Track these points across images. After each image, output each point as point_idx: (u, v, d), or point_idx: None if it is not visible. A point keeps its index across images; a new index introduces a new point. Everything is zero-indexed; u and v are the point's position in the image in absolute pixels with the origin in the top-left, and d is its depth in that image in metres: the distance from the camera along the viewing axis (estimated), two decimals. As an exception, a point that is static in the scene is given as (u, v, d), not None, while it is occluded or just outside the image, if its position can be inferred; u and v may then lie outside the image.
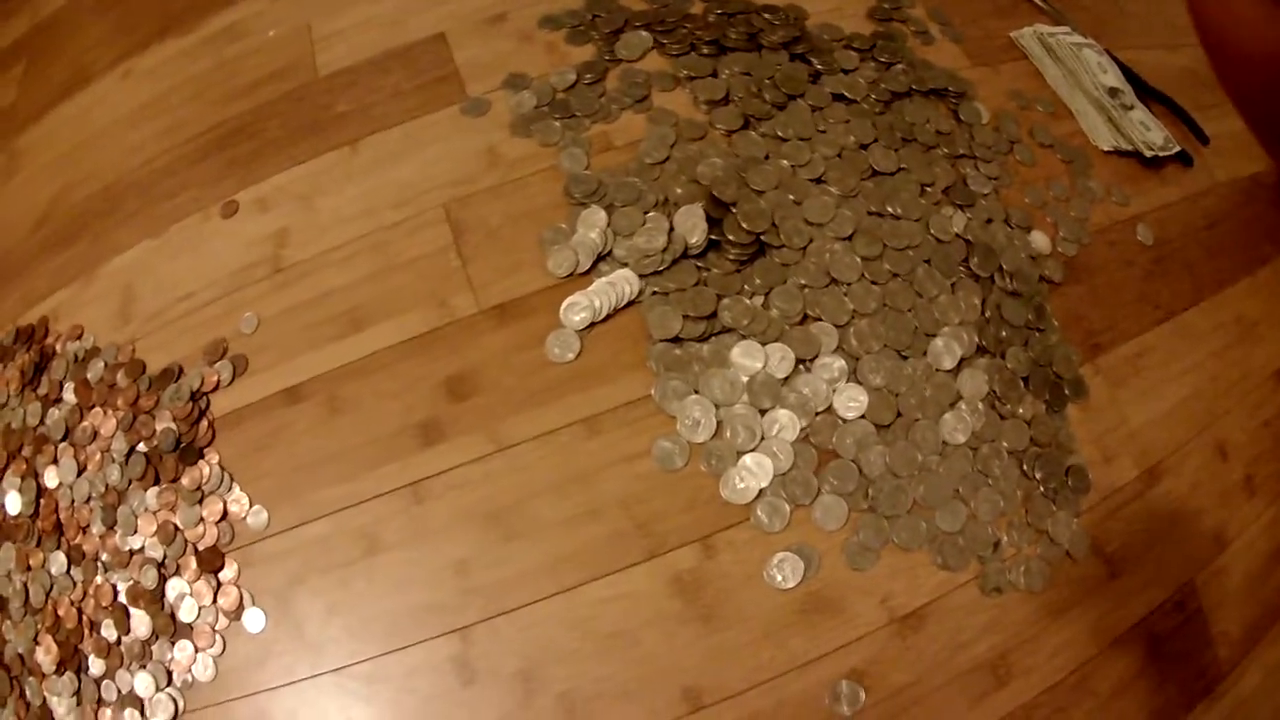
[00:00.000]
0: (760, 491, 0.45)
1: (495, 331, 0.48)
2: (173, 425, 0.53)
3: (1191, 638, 0.49)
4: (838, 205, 0.50)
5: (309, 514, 0.48)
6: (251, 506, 0.50)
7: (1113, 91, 0.57)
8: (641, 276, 0.48)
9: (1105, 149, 0.55)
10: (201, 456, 0.52)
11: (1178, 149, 0.56)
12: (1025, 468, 0.47)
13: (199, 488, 0.52)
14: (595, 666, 0.44)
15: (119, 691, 0.53)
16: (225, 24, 0.65)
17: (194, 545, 0.52)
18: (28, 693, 0.57)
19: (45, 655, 0.56)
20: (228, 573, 0.50)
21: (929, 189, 0.51)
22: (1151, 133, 0.56)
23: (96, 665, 0.54)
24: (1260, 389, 0.53)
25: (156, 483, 0.54)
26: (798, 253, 0.48)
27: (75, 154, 0.67)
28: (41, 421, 0.60)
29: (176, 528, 0.52)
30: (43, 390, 0.61)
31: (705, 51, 0.54)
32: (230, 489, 0.51)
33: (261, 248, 0.54)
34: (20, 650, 0.58)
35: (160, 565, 0.52)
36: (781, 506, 0.45)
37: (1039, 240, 0.51)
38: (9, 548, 0.60)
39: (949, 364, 0.48)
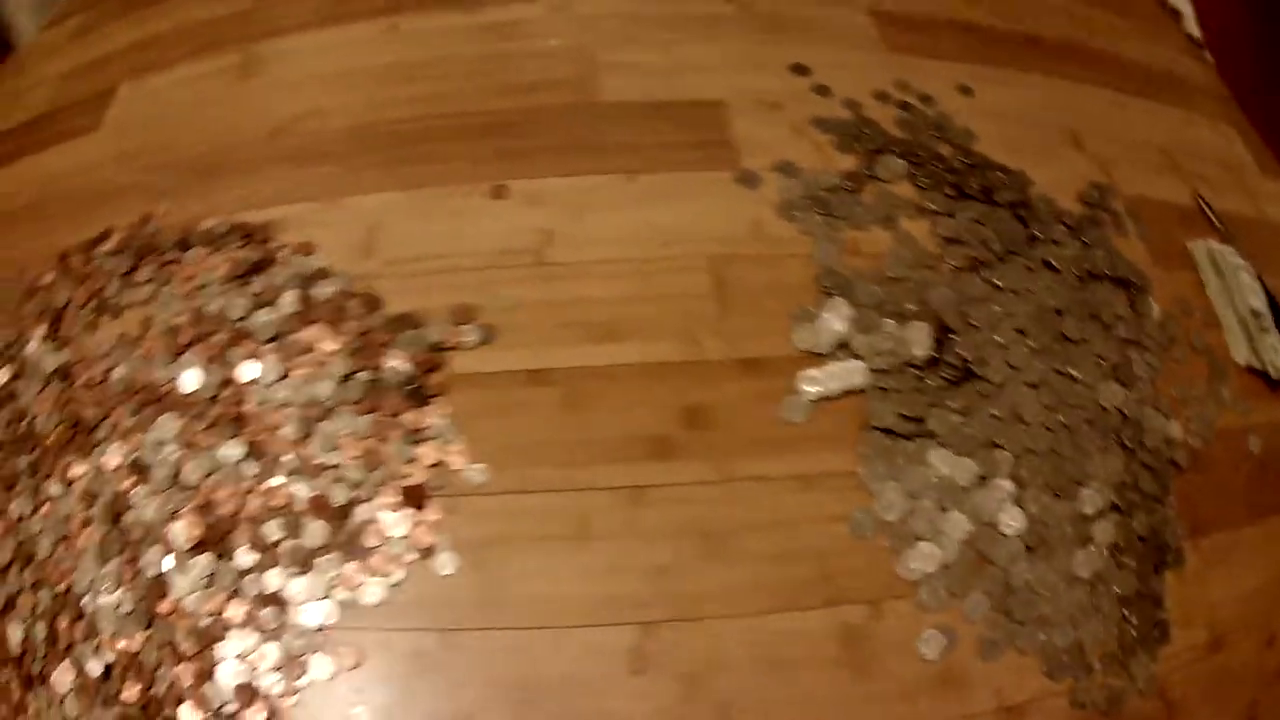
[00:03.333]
0: (927, 575, 0.53)
1: (738, 380, 0.55)
2: (406, 365, 0.58)
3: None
4: (1032, 356, 0.59)
5: (529, 486, 0.54)
6: (471, 463, 0.55)
7: (1255, 313, 0.67)
8: (871, 371, 0.56)
9: (1240, 363, 0.65)
10: (429, 402, 0.57)
11: (1296, 377, 0.66)
12: (1126, 612, 0.57)
13: (420, 429, 0.57)
14: (755, 687, 0.51)
15: (262, 588, 0.56)
16: (505, 18, 0.71)
17: (400, 479, 0.56)
18: (141, 558, 0.59)
19: (183, 530, 0.58)
20: (430, 513, 0.54)
21: (1102, 362, 0.60)
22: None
23: (246, 558, 0.57)
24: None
25: (372, 413, 0.58)
26: (996, 387, 0.57)
27: (323, 83, 0.72)
28: (245, 318, 0.64)
29: (384, 459, 0.56)
30: (255, 289, 0.65)
31: (948, 192, 0.62)
32: (453, 441, 0.56)
33: (526, 238, 0.60)
34: (148, 518, 0.60)
35: (356, 486, 0.56)
36: (940, 592, 0.53)
37: (1174, 429, 0.61)
38: (172, 418, 0.62)
39: (1089, 511, 0.57)
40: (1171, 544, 0.59)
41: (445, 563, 0.54)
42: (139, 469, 0.62)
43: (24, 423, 0.70)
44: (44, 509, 0.65)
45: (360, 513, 0.56)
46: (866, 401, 0.56)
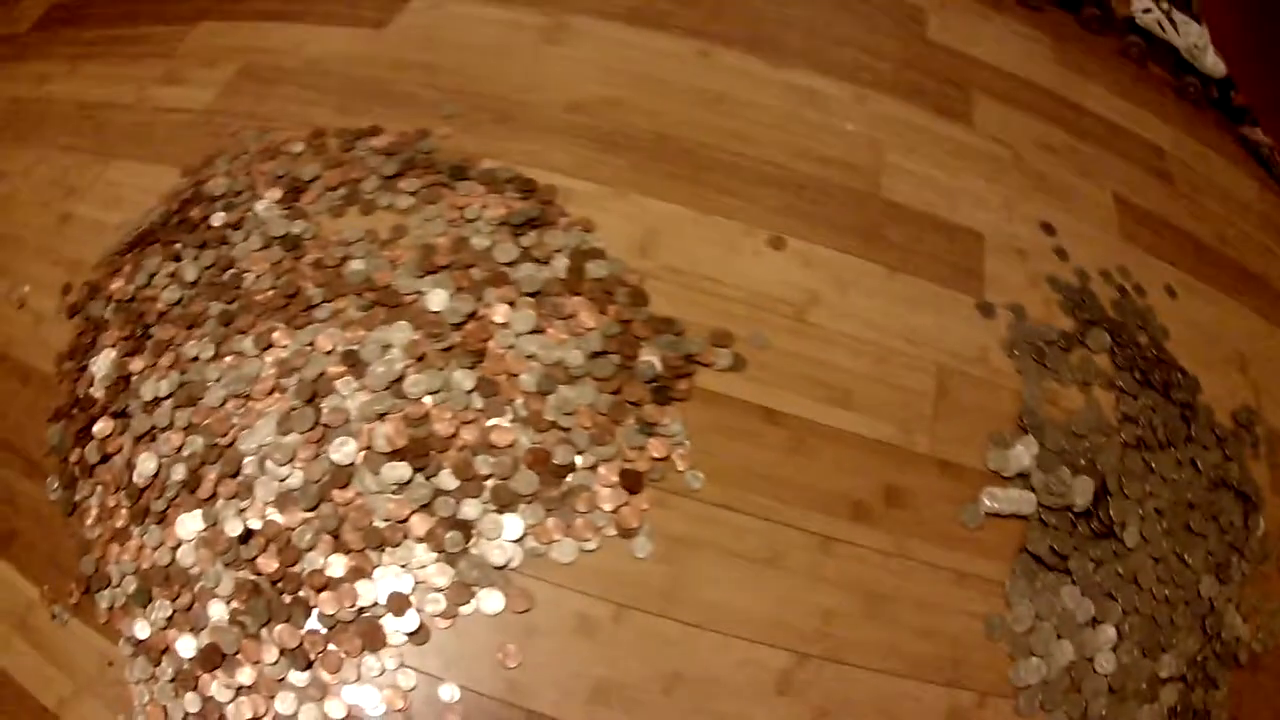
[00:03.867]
0: (1029, 685, 0.64)
1: (933, 476, 0.65)
2: (658, 364, 0.65)
3: None
4: (1161, 535, 0.69)
5: (737, 505, 0.63)
6: (693, 469, 0.63)
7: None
8: (1039, 505, 0.66)
9: (1309, 596, 0.77)
10: (670, 403, 0.64)
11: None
12: (1166, 773, 0.68)
13: (655, 424, 0.64)
14: None
15: (455, 512, 0.61)
16: (808, 85, 0.79)
17: (623, 460, 0.62)
18: (330, 444, 0.63)
19: (387, 435, 0.63)
20: (641, 500, 0.61)
21: (1210, 557, 0.71)
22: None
23: (447, 481, 0.62)
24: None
25: (615, 394, 0.64)
26: (1127, 550, 0.68)
27: (630, 79, 0.79)
28: (512, 264, 0.69)
29: (614, 438, 0.63)
30: (527, 243, 0.70)
31: (1136, 376, 0.72)
32: (681, 445, 0.64)
33: (792, 292, 0.69)
34: (351, 410, 0.64)
35: (580, 452, 0.62)
36: (1035, 702, 0.63)
37: (1245, 631, 0.72)
38: (407, 328, 0.67)
39: (1163, 675, 0.68)
40: (1217, 728, 0.70)
41: (641, 546, 0.61)
42: (354, 362, 0.66)
43: (229, 272, 0.73)
44: (227, 360, 0.68)
45: (577, 478, 0.62)
46: (1027, 528, 0.65)
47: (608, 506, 0.61)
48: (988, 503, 0.65)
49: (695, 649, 0.59)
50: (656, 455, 0.63)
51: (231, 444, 0.65)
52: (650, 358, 0.66)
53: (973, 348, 0.69)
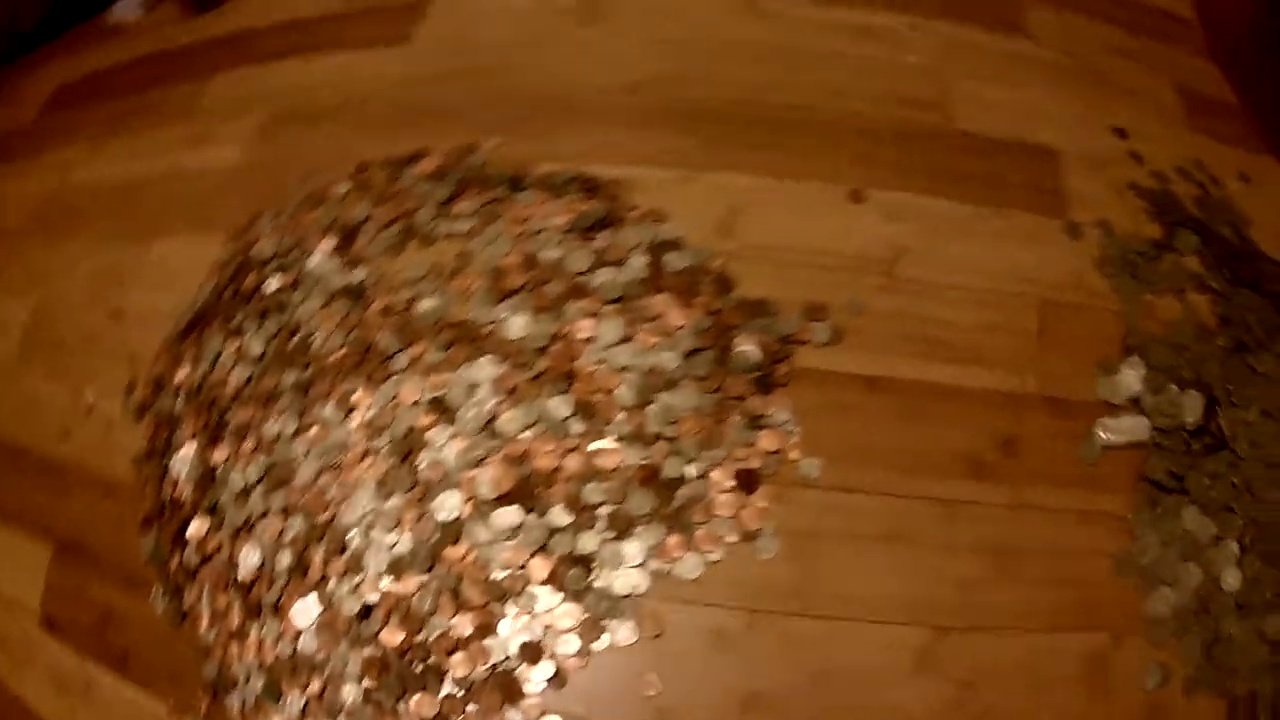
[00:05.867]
0: (1160, 616, 0.63)
1: (1045, 417, 0.62)
2: (755, 351, 0.61)
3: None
4: (1274, 439, 0.67)
5: (855, 485, 0.60)
6: (806, 457, 0.60)
7: None
8: (1153, 429, 0.64)
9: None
10: (773, 391, 0.61)
11: None
12: (1286, 665, 0.68)
13: (761, 416, 0.60)
14: (1013, 699, 0.57)
15: (573, 548, 0.58)
16: (863, 22, 0.72)
17: (735, 461, 0.59)
18: (433, 501, 0.59)
19: (490, 479, 0.59)
20: (759, 499, 0.58)
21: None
22: None
23: (560, 517, 0.58)
24: None
25: (716, 392, 0.60)
26: (1240, 460, 0.66)
27: (679, 47, 0.72)
28: (587, 273, 0.64)
29: (722, 439, 0.59)
30: (599, 246, 0.65)
31: (1225, 274, 0.69)
32: (791, 434, 0.60)
33: (879, 249, 0.64)
34: (449, 461, 0.60)
35: (690, 462, 0.59)
36: (1167, 630, 0.62)
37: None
38: (491, 362, 0.62)
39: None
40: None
41: (766, 548, 0.58)
42: (442, 409, 0.61)
43: (295, 337, 0.68)
44: (311, 432, 0.64)
45: (691, 488, 0.59)
46: (1144, 455, 0.63)
47: (726, 512, 0.58)
48: (1103, 435, 0.63)
49: (834, 642, 0.57)
50: (768, 448, 0.60)
51: (333, 519, 0.62)
52: (746, 346, 0.61)
53: (1066, 273, 0.65)
